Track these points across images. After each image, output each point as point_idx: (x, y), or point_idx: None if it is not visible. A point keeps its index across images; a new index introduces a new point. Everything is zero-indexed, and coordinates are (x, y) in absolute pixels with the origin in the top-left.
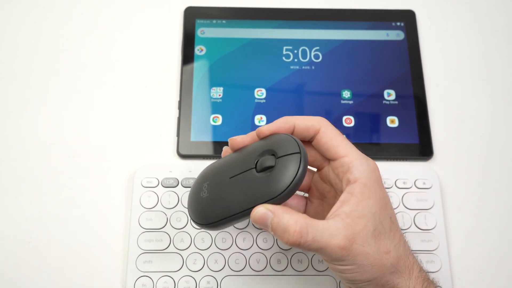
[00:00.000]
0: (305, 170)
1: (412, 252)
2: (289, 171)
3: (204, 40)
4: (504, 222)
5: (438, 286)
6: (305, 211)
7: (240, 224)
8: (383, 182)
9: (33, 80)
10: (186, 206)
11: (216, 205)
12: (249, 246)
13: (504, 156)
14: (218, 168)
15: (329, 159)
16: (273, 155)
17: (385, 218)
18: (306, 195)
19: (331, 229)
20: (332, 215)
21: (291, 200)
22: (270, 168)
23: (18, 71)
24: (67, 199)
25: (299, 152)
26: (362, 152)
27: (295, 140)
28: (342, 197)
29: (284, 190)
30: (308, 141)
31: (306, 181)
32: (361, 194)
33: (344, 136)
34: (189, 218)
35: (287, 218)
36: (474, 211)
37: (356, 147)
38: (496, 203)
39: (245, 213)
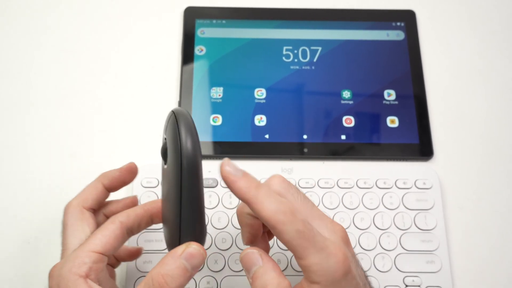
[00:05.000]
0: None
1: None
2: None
3: (204, 40)
4: (505, 222)
5: None
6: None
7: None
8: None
9: (33, 80)
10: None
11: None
12: None
13: (504, 156)
14: None
15: None
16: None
17: None
18: None
19: None
20: None
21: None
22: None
23: (18, 72)
24: (67, 199)
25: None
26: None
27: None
28: None
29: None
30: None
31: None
32: None
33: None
34: None
35: (272, 276)
36: (474, 211)
37: (356, 146)
38: (497, 203)
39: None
